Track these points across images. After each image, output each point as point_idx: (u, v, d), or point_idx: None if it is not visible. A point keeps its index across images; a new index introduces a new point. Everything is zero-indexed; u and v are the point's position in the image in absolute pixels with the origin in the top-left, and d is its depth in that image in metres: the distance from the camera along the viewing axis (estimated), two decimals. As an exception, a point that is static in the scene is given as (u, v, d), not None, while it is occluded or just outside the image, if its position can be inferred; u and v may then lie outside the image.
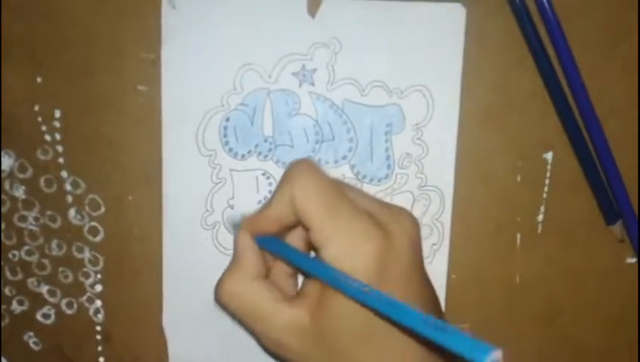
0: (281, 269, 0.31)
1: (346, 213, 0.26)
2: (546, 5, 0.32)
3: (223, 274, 0.29)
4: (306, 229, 0.27)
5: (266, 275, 0.30)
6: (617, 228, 0.34)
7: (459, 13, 0.32)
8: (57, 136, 0.34)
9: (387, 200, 0.34)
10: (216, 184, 0.34)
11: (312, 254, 0.31)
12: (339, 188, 0.28)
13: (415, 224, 0.28)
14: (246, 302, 0.28)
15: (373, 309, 0.24)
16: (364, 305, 0.24)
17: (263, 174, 0.34)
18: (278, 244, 0.29)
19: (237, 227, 0.30)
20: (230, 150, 0.34)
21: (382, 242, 0.26)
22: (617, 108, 0.33)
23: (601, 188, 0.34)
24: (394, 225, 0.27)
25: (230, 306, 0.29)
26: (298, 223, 0.28)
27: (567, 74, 0.32)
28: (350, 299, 0.25)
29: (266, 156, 0.34)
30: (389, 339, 0.26)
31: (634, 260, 0.35)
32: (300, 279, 0.32)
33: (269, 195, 0.34)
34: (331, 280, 0.25)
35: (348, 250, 0.26)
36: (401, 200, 0.34)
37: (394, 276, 0.26)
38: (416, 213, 0.34)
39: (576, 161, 0.34)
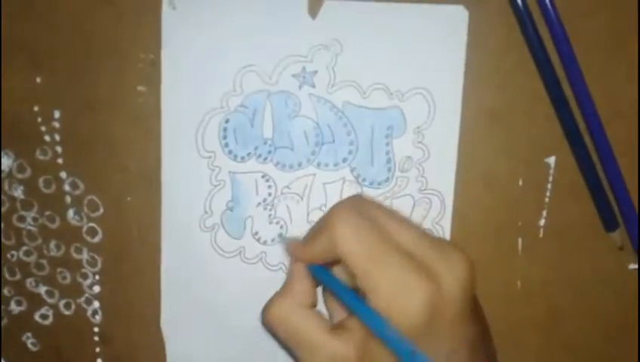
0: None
1: (391, 260, 0.26)
2: (550, 8, 0.31)
3: (274, 297, 0.29)
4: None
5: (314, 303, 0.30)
6: (617, 235, 0.34)
7: (461, 15, 0.32)
8: (57, 137, 0.34)
9: (387, 203, 0.34)
10: (215, 186, 0.34)
11: None
12: (382, 231, 0.27)
13: (466, 263, 0.27)
14: (293, 328, 0.28)
15: None
16: None
17: (263, 176, 0.34)
18: (328, 277, 0.29)
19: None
20: (230, 152, 0.33)
21: (430, 292, 0.25)
22: (621, 112, 0.33)
23: (600, 195, 0.33)
24: (443, 269, 0.26)
25: (277, 329, 0.28)
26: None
27: (571, 77, 0.32)
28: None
29: (265, 158, 0.34)
30: None
31: (635, 266, 0.35)
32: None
33: (268, 198, 0.34)
34: (378, 333, 0.25)
35: (394, 301, 0.25)
36: (401, 204, 0.34)
37: (441, 325, 0.25)
38: (416, 217, 0.34)
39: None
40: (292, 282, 0.29)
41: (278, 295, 0.29)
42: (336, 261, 0.28)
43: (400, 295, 0.25)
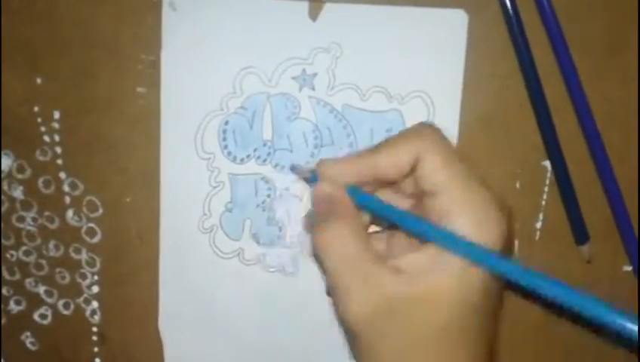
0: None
1: (477, 186, 0.25)
2: (548, 12, 0.31)
3: (324, 223, 0.26)
4: (424, 194, 0.26)
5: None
6: (585, 249, 0.34)
7: (461, 19, 0.32)
8: (56, 138, 0.34)
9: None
10: (214, 187, 0.34)
11: None
12: (466, 160, 0.27)
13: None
14: (349, 256, 0.25)
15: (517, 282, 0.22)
16: (510, 276, 0.22)
17: (262, 178, 0.34)
18: (379, 202, 0.26)
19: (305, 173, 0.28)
20: (229, 154, 0.34)
21: (506, 222, 0.25)
22: (618, 118, 0.33)
23: (573, 209, 0.34)
24: (507, 211, 0.26)
25: (329, 257, 0.25)
26: (388, 184, 0.27)
27: (568, 82, 0.32)
28: (490, 269, 0.23)
29: (264, 160, 0.34)
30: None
31: (630, 268, 0.35)
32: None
33: (268, 199, 0.34)
34: (460, 250, 0.23)
35: (480, 225, 0.24)
36: (399, 206, 0.34)
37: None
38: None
39: (576, 169, 0.33)
40: (340, 206, 0.26)
41: (327, 221, 0.26)
42: (381, 183, 0.27)
43: (484, 220, 0.25)
